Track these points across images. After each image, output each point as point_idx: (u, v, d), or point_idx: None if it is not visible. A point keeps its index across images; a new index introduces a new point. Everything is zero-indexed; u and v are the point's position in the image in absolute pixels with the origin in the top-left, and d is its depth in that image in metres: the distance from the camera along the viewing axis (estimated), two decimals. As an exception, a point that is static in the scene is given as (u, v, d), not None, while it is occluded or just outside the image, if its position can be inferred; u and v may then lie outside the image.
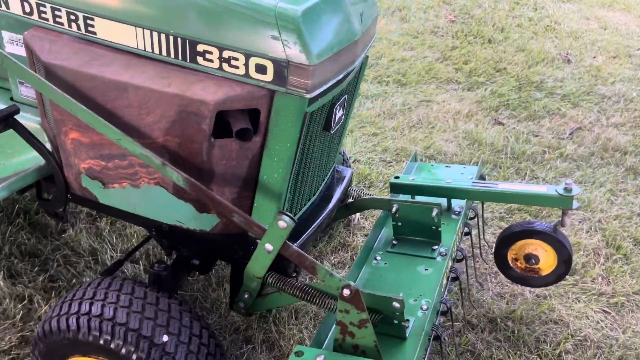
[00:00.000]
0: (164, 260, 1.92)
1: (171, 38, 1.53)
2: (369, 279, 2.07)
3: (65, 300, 1.68)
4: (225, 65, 1.51)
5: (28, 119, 1.91)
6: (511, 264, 2.40)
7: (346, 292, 1.55)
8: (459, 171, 2.64)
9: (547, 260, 2.34)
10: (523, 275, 2.40)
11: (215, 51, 1.50)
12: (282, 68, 1.46)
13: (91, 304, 1.62)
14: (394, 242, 2.23)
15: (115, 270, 2.01)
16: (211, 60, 1.52)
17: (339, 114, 1.80)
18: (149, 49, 1.57)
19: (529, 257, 2.35)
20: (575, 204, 2.20)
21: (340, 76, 1.62)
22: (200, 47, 1.51)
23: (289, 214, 1.53)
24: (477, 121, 3.97)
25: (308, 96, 1.49)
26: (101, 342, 1.57)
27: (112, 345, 1.57)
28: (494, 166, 3.45)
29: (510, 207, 3.03)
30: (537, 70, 4.76)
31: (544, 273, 2.37)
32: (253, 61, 1.48)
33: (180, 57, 1.55)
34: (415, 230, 2.22)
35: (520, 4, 6.20)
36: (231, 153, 1.61)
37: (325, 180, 2.09)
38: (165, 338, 1.59)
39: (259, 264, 1.66)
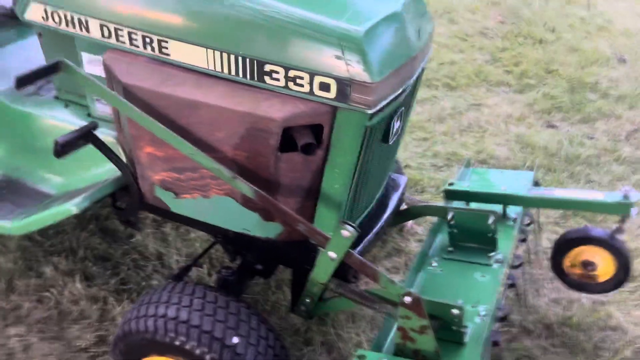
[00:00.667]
0: (230, 265, 2.03)
1: (240, 59, 1.63)
2: (424, 284, 2.12)
3: (143, 303, 1.80)
4: (290, 84, 1.60)
5: (104, 133, 2.05)
6: (568, 271, 2.41)
7: (407, 299, 1.61)
8: (513, 177, 2.66)
9: (604, 267, 2.33)
10: (580, 281, 2.40)
11: (282, 71, 1.59)
12: (345, 86, 1.54)
13: (167, 307, 1.74)
14: (450, 249, 2.28)
15: (184, 274, 2.14)
16: (278, 80, 1.61)
17: (396, 125, 1.86)
18: (218, 69, 1.67)
19: (586, 264, 2.35)
20: (634, 212, 2.19)
21: (399, 90, 1.69)
22: (268, 67, 1.60)
23: (352, 223, 1.60)
24: (529, 124, 3.95)
25: (370, 112, 1.56)
26: (177, 343, 1.69)
27: (188, 347, 1.68)
28: (548, 170, 3.43)
29: (565, 212, 3.02)
30: (591, 71, 4.68)
31: (601, 280, 2.36)
32: (317, 79, 1.56)
33: (248, 77, 1.64)
34: (471, 238, 2.26)
35: (572, 3, 6.08)
36: (296, 166, 1.70)
37: (382, 188, 2.16)
38: (235, 340, 1.69)
39: (323, 271, 1.74)
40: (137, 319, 1.76)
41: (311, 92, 1.58)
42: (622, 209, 2.20)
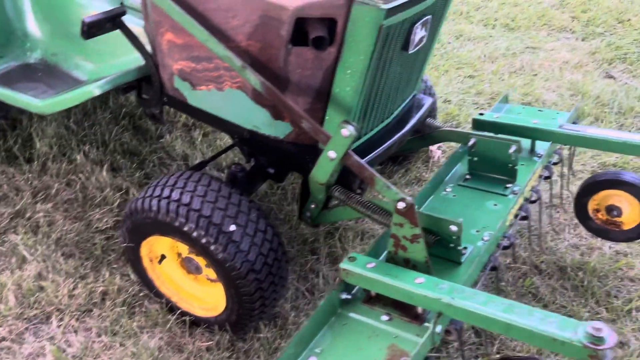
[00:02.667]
0: (241, 163, 2.06)
1: (261, -57, 1.59)
2: (435, 207, 2.08)
3: (152, 184, 1.87)
4: (307, -27, 1.55)
5: (134, 23, 2.08)
6: (592, 215, 2.32)
7: (401, 205, 1.59)
8: (550, 116, 2.53)
9: (631, 213, 2.23)
10: (603, 227, 2.31)
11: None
12: (361, -23, 1.48)
13: (172, 190, 1.80)
14: (467, 176, 2.22)
15: (201, 168, 2.19)
16: (296, -33, 1.56)
17: (420, 34, 1.79)
18: (240, -48, 1.64)
19: (611, 209, 2.25)
20: (668, 155, 2.05)
21: (421, -8, 1.61)
22: (287, -47, 1.55)
23: (354, 123, 1.58)
24: (585, 72, 3.73)
25: (384, 6, 1.50)
26: (176, 224, 1.75)
27: (186, 228, 1.74)
28: (595, 119, 3.25)
29: (604, 161, 2.87)
30: (667, 24, 4.32)
31: (626, 227, 2.26)
32: (334, -31, 1.51)
33: (268, -37, 1.60)
34: (490, 167, 2.19)
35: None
36: (307, 62, 1.67)
37: (404, 104, 2.10)
38: (232, 227, 1.74)
39: (322, 171, 1.74)
40: (143, 198, 1.83)
41: (327, -17, 1.54)
42: (654, 153, 2.07)
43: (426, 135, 2.35)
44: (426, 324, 1.58)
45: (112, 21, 1.92)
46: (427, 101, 2.20)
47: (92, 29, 1.89)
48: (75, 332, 1.99)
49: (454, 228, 1.73)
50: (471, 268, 1.77)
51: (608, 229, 2.30)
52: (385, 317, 1.63)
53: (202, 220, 1.73)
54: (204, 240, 1.73)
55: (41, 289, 2.10)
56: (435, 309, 1.51)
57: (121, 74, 2.05)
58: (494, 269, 1.85)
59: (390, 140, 1.98)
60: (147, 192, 1.84)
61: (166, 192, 1.80)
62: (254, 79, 1.66)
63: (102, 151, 2.72)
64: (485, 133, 2.19)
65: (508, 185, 2.13)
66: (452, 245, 1.77)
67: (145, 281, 2.04)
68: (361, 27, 1.57)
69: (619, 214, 2.25)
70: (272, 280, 1.82)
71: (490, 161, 2.17)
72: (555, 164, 2.39)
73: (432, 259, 1.72)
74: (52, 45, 2.44)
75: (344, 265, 1.67)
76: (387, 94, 1.89)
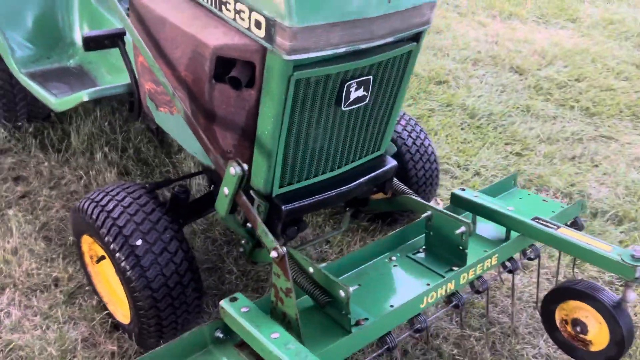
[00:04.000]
0: (185, 185, 2.15)
1: (207, -15, 1.70)
2: (369, 273, 2.00)
3: (98, 189, 2.02)
4: (237, 17, 1.62)
5: None
6: (559, 325, 2.06)
7: (274, 254, 1.56)
8: (550, 208, 2.31)
9: (598, 334, 1.95)
10: (569, 342, 2.04)
11: (232, 2, 1.63)
12: (271, 25, 1.52)
13: (105, 196, 1.93)
14: (421, 249, 2.10)
15: (164, 186, 2.29)
16: (230, 10, 1.64)
17: (355, 93, 1.76)
18: (195, -7, 1.76)
19: (575, 323, 1.99)
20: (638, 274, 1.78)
21: (342, 50, 1.60)
22: (224, -3, 1.65)
23: (242, 163, 1.60)
24: (655, 174, 3.31)
25: (287, 58, 1.52)
26: (95, 226, 1.88)
27: (101, 232, 1.86)
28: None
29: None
30: None
31: (593, 349, 1.97)
32: (253, 16, 1.57)
33: (213, 5, 1.71)
34: (443, 245, 2.05)
35: None
36: (230, 99, 1.73)
37: (358, 162, 2.05)
38: (139, 242, 1.82)
39: (220, 204, 1.77)
40: (86, 199, 1.99)
41: (249, 27, 1.59)
42: (624, 271, 1.80)
43: (391, 199, 2.27)
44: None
45: (110, 39, 2.15)
46: (390, 163, 2.12)
47: (90, 43, 2.12)
48: (18, 307, 2.19)
49: (342, 293, 1.65)
50: (358, 340, 1.68)
51: (575, 346, 2.02)
52: (248, 366, 1.60)
53: (114, 229, 1.84)
54: (111, 247, 1.83)
55: (7, 262, 2.34)
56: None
57: (112, 87, 2.27)
58: (389, 350, 1.72)
59: (326, 195, 1.93)
60: (91, 195, 1.99)
61: (100, 197, 1.94)
62: (180, 107, 1.76)
63: (120, 156, 2.97)
64: (441, 209, 2.06)
65: (454, 268, 1.98)
66: (342, 311, 1.69)
67: (87, 276, 2.19)
68: (274, 75, 1.60)
69: (585, 332, 1.97)
70: (170, 302, 1.86)
71: (443, 238, 2.04)
72: (530, 259, 2.16)
73: (327, 320, 1.69)
74: (89, 55, 2.76)
75: (224, 304, 1.67)
76: (322, 147, 1.86)
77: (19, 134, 3.07)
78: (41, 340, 2.04)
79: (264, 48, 1.59)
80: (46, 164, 2.91)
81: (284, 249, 1.56)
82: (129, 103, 2.38)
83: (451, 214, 2.01)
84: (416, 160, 2.51)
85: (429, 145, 2.58)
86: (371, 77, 1.77)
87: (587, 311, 1.95)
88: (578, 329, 1.98)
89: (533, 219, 2.03)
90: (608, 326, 1.89)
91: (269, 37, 1.54)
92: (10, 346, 2.01)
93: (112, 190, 1.96)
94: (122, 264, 1.81)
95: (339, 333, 1.71)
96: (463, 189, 2.27)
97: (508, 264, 2.08)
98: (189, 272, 1.90)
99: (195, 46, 1.70)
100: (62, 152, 2.97)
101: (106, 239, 1.84)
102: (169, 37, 1.81)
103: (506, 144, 3.52)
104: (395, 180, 2.23)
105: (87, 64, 2.78)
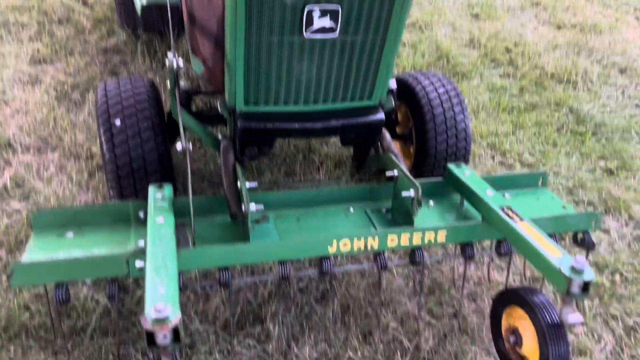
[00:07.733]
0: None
1: None
2: (317, 215, 1.98)
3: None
4: None
5: None
6: (504, 333, 1.81)
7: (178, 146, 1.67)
8: (560, 213, 2.01)
9: (534, 352, 1.68)
10: (507, 354, 1.79)
11: None
12: None
13: (115, 86, 2.20)
14: (385, 210, 2.01)
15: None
16: None
17: (320, 21, 1.72)
18: None
19: (512, 332, 1.74)
20: (575, 290, 1.49)
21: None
22: None
23: (178, 58, 1.72)
24: None
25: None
26: (96, 108, 2.15)
27: (96, 110, 2.13)
28: None
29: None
30: None
31: (526, 361, 1.71)
32: None
33: None
34: (398, 208, 1.95)
35: None
36: (203, 3, 1.83)
37: (333, 105, 1.98)
38: (117, 122, 2.04)
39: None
40: (103, 84, 2.28)
41: None
42: (558, 282, 1.52)
43: (380, 156, 2.16)
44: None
45: None
46: (378, 115, 2.02)
47: None
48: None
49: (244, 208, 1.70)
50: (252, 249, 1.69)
51: (511, 358, 1.77)
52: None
53: (104, 107, 2.09)
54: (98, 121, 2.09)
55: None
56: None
57: None
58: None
59: (291, 125, 1.92)
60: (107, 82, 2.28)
61: (111, 86, 2.22)
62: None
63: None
64: (405, 170, 1.92)
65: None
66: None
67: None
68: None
69: (519, 344, 1.71)
70: (132, 183, 2.06)
71: (400, 201, 1.92)
72: (500, 254, 1.91)
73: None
74: None
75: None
76: (288, 75, 1.83)
77: (133, 40, 3.56)
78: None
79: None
80: (143, 67, 3.34)
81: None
82: None
83: (409, 176, 1.88)
84: (439, 131, 2.34)
85: (462, 120, 2.37)
86: (339, 7, 1.71)
87: (527, 322, 1.69)
88: (512, 339, 1.72)
89: (502, 208, 1.80)
90: (539, 347, 1.62)
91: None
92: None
93: (122, 81, 2.22)
94: (101, 138, 2.05)
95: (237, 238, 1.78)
96: (459, 165, 2.09)
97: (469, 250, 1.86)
98: (156, 162, 2.05)
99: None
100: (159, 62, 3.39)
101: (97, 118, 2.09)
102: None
103: (601, 157, 3.05)
104: (387, 137, 2.14)
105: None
